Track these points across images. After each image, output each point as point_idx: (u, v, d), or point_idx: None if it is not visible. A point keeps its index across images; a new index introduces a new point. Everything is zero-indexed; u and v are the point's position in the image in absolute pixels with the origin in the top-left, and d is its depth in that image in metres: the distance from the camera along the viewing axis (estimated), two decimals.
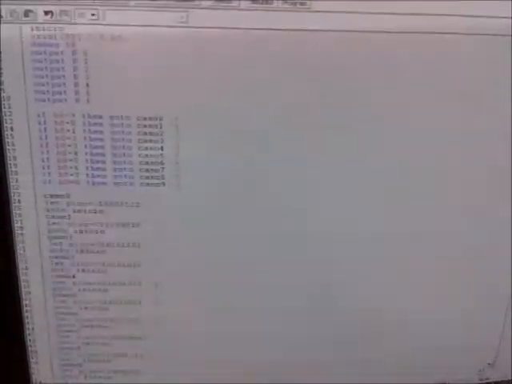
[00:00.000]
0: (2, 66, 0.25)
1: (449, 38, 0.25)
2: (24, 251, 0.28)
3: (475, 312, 0.30)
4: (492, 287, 0.30)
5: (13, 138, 0.26)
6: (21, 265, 0.28)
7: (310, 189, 0.28)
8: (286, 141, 0.27)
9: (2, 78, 0.25)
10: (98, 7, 0.24)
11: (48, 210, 0.27)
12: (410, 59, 0.26)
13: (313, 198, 0.28)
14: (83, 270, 0.28)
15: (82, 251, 0.28)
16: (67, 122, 0.26)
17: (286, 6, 0.24)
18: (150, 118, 0.26)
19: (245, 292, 0.29)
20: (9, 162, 0.26)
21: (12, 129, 0.26)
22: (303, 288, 0.29)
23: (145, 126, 0.26)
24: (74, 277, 0.28)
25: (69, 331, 0.30)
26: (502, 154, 0.28)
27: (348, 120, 0.27)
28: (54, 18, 0.24)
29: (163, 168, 0.27)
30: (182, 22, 0.24)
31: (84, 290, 0.29)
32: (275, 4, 0.24)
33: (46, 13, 0.24)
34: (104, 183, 0.27)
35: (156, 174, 0.27)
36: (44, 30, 0.24)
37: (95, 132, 0.26)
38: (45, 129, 0.26)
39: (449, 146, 0.27)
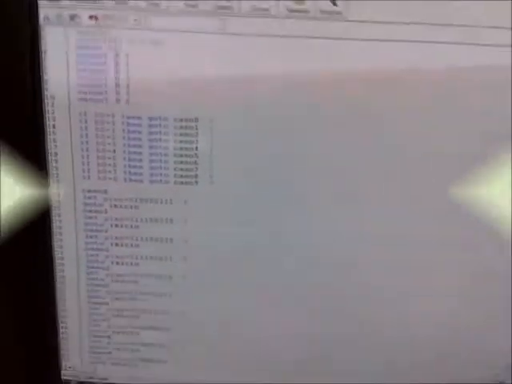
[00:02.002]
0: (48, 67, 0.26)
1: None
2: (61, 242, 0.29)
3: (491, 316, 0.30)
4: (508, 290, 0.30)
5: (55, 134, 0.27)
6: (57, 254, 0.29)
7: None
8: (320, 139, 0.27)
9: (47, 78, 0.26)
10: (141, 12, 0.25)
11: (86, 205, 0.28)
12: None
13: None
14: (117, 263, 0.29)
15: (116, 244, 0.29)
16: (107, 122, 0.27)
17: (322, 14, 0.24)
18: (186, 120, 0.27)
19: (271, 287, 0.30)
20: (50, 158, 0.28)
21: (54, 126, 0.27)
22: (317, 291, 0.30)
23: (181, 128, 0.27)
24: (107, 269, 0.30)
25: (100, 320, 0.31)
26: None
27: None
28: (98, 22, 0.25)
29: (197, 167, 0.27)
30: (219, 29, 0.25)
31: (116, 281, 0.30)
32: (312, 13, 0.24)
33: (91, 17, 0.25)
34: (140, 180, 0.28)
35: (190, 173, 0.28)
36: (88, 33, 0.25)
37: (133, 132, 0.27)
38: (86, 127, 0.27)
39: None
